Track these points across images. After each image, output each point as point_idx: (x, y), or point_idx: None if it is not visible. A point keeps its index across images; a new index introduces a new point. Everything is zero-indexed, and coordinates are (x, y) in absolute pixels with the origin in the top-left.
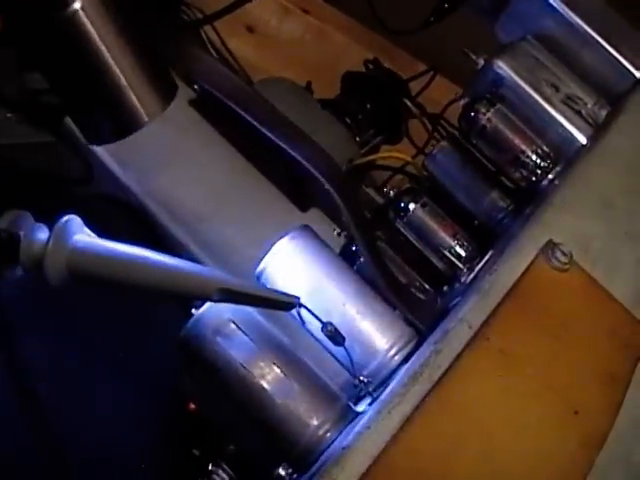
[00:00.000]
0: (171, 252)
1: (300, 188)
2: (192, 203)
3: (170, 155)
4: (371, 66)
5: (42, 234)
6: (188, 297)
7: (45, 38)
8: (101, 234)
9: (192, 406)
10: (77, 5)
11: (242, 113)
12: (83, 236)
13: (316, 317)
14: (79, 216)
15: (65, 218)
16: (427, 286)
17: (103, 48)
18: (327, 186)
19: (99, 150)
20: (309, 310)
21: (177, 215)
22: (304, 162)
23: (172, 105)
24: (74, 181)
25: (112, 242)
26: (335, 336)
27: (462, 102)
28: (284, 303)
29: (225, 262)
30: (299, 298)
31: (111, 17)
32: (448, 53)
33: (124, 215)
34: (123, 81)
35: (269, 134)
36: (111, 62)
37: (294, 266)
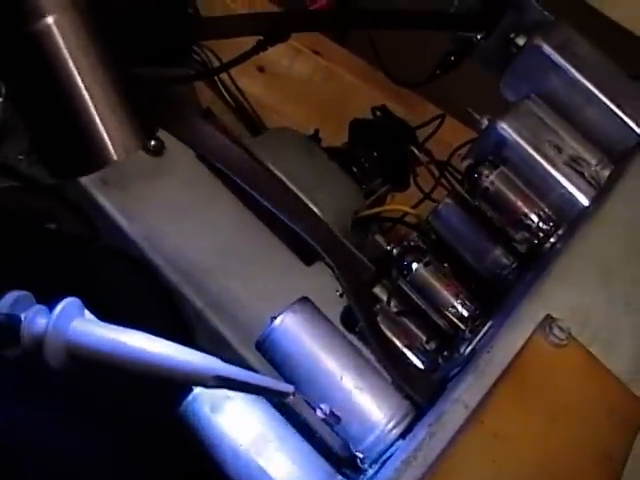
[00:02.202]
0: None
1: (305, 242)
2: (198, 257)
3: (177, 209)
4: (379, 113)
5: (42, 318)
6: (184, 384)
7: (9, 54)
8: (106, 290)
9: None
10: (50, 20)
11: (242, 184)
12: (81, 321)
13: (309, 404)
14: (85, 272)
15: (64, 302)
16: (428, 347)
17: (74, 71)
18: (327, 260)
19: (106, 204)
20: (304, 398)
21: (183, 270)
22: (304, 235)
23: (180, 158)
24: (82, 240)
25: (110, 327)
26: (329, 418)
27: (465, 163)
28: (279, 392)
29: (231, 318)
30: (294, 388)
31: (87, 37)
32: (457, 98)
33: (129, 270)
34: (92, 110)
35: (268, 205)
36: (81, 87)
37: (293, 339)
